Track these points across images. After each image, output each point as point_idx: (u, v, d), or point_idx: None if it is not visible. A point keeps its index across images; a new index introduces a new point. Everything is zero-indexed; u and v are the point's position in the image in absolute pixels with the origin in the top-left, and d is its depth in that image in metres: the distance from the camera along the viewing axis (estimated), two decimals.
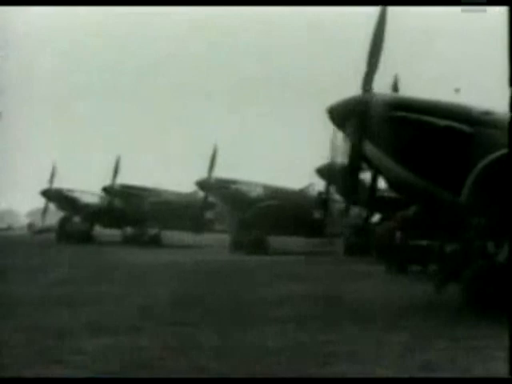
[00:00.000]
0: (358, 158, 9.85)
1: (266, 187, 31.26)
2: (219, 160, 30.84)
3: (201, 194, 32.31)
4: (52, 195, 38.41)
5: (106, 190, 34.67)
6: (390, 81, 15.29)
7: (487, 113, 9.36)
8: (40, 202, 40.42)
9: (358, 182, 9.95)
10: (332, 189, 25.42)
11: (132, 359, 6.36)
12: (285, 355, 6.55)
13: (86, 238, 34.83)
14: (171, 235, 33.40)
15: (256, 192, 30.54)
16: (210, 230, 32.24)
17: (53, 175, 38.24)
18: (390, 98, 10.14)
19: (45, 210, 39.93)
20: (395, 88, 14.54)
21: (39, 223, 45.93)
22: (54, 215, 41.00)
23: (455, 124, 9.23)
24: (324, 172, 26.58)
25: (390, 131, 9.55)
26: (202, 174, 31.12)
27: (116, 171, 33.53)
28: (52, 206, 39.69)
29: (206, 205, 31.53)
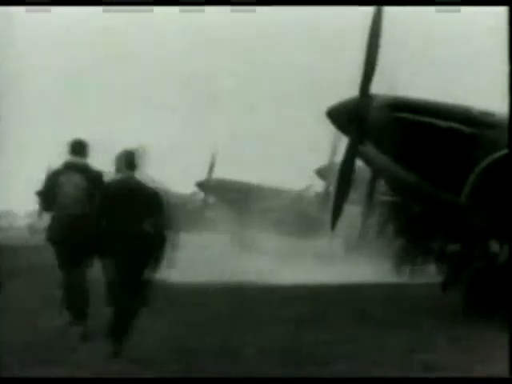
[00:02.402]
0: (353, 159, 9.85)
1: (265, 188, 31.31)
2: (219, 160, 30.95)
3: (201, 195, 32.37)
4: None
5: None
6: (387, 81, 15.27)
7: (488, 114, 9.36)
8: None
9: (350, 184, 9.94)
10: (332, 189, 25.43)
11: None
12: None
13: None
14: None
15: (255, 193, 30.60)
16: (211, 229, 32.27)
17: None
18: (390, 99, 10.12)
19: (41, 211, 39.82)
20: (392, 88, 14.49)
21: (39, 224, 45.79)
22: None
23: (457, 125, 9.23)
24: (324, 173, 26.65)
25: (390, 133, 9.53)
26: (202, 174, 31.26)
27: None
28: None
29: (206, 205, 31.61)
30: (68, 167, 7.38)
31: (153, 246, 6.48)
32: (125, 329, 6.44)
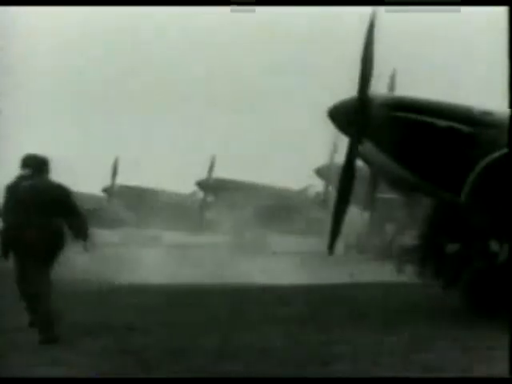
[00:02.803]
0: (354, 159, 9.83)
1: (265, 187, 31.37)
2: (219, 160, 31.02)
3: (201, 194, 32.45)
4: None
5: (105, 190, 34.77)
6: (387, 81, 15.26)
7: (488, 113, 9.36)
8: None
9: (353, 183, 9.91)
10: (331, 189, 25.49)
11: None
12: None
13: None
14: (170, 235, 33.44)
15: (255, 192, 30.64)
16: (211, 230, 32.34)
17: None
18: (390, 98, 10.12)
19: None
20: (392, 87, 14.48)
21: None
22: None
23: (456, 124, 9.23)
24: (323, 172, 26.69)
25: (389, 132, 9.53)
26: (201, 174, 31.33)
27: (115, 172, 33.62)
28: None
29: (205, 205, 31.67)
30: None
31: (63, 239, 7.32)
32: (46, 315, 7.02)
